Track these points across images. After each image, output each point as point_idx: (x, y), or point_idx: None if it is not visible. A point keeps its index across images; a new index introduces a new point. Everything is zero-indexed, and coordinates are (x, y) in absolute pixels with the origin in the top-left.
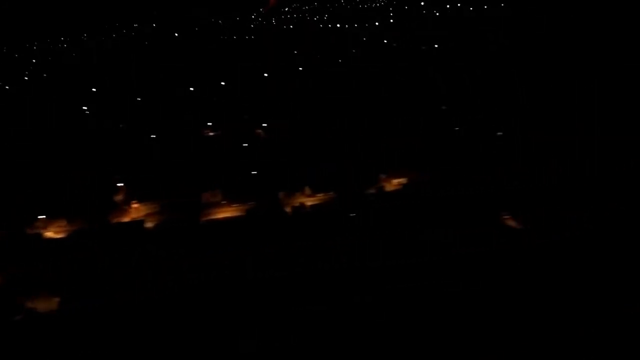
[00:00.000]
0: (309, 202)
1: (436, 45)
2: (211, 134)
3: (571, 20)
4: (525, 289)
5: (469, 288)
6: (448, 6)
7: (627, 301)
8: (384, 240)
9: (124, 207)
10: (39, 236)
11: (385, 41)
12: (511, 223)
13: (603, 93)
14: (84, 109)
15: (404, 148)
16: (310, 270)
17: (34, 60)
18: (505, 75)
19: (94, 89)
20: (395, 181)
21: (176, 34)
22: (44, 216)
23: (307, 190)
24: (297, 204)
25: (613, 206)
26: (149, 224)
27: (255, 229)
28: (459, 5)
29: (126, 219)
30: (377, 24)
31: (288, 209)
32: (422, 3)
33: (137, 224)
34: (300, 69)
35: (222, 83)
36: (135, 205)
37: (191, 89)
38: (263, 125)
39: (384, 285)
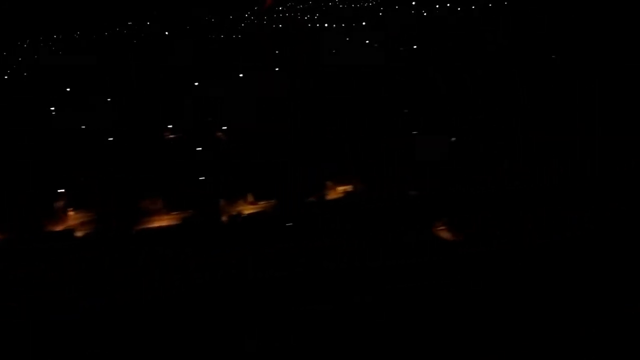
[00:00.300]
0: (250, 209)
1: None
2: (171, 136)
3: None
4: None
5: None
6: (436, 6)
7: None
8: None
9: (61, 214)
10: None
11: (368, 41)
12: (449, 233)
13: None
14: (50, 110)
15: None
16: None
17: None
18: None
19: (67, 89)
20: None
21: (166, 33)
22: None
23: (250, 197)
24: (236, 212)
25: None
26: (79, 233)
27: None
28: (457, 5)
29: (59, 227)
30: (364, 23)
31: (224, 218)
32: (415, 3)
33: (68, 232)
34: (278, 69)
35: (196, 83)
36: (70, 213)
37: (162, 89)
38: (224, 128)
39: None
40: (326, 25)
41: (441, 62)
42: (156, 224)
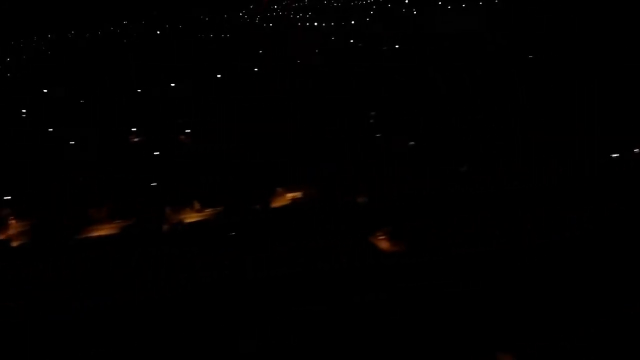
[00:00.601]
0: (195, 217)
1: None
2: (135, 139)
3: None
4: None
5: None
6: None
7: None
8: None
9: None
10: None
11: (353, 40)
12: (386, 243)
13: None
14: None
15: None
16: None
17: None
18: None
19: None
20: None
21: (158, 32)
22: None
23: (197, 205)
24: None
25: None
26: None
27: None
28: (451, 4)
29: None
30: (353, 22)
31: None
32: (407, 1)
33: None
34: (257, 69)
35: (172, 84)
36: (12, 222)
37: (138, 90)
38: (187, 130)
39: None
40: (315, 24)
41: (440, 61)
42: (99, 232)
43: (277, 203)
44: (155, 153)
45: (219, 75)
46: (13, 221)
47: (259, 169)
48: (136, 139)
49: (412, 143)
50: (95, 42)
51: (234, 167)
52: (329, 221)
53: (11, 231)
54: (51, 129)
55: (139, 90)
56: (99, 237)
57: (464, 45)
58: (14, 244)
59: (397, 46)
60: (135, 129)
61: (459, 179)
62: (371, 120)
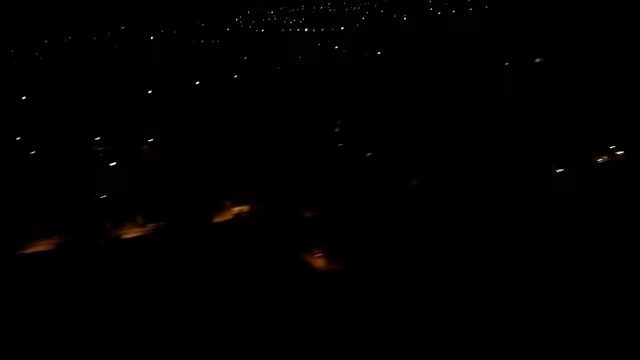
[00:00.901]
0: (138, 232)
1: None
2: (100, 149)
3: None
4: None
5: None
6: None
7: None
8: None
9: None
10: None
11: (346, 43)
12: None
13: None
14: None
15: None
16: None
17: None
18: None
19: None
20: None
21: (151, 37)
22: None
23: (140, 220)
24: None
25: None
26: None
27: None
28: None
29: None
30: (343, 28)
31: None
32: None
33: None
34: (237, 75)
35: (150, 91)
36: None
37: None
38: (149, 140)
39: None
40: (306, 29)
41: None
42: (38, 248)
43: (223, 217)
44: (111, 164)
45: (197, 82)
46: None
47: (210, 181)
48: (98, 149)
49: (369, 154)
50: (91, 47)
51: (185, 179)
52: (272, 236)
53: None
54: (18, 137)
55: (117, 98)
56: (37, 252)
57: (446, 52)
58: None
59: (379, 53)
60: (98, 138)
61: (410, 192)
62: (336, 130)
